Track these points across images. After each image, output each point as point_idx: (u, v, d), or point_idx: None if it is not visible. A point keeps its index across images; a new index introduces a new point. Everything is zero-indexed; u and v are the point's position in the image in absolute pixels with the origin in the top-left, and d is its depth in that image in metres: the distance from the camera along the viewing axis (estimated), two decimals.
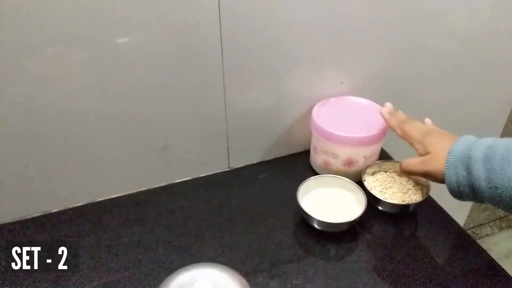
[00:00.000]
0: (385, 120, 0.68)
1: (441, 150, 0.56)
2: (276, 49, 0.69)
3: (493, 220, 1.65)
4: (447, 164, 0.54)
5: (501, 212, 1.60)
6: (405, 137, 0.64)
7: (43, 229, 0.68)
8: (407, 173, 0.66)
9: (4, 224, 0.68)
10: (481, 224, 1.64)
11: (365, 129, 0.70)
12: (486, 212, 1.58)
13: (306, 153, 0.81)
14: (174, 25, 0.60)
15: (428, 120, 0.67)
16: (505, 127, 1.08)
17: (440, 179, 0.56)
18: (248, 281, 0.46)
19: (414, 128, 0.63)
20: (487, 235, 1.65)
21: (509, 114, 1.05)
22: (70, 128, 0.64)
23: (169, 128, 0.70)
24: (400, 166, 0.64)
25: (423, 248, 0.65)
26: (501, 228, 1.67)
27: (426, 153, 0.59)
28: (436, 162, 0.56)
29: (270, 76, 0.72)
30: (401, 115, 0.67)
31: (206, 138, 0.74)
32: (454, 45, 0.85)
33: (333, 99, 0.78)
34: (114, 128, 0.67)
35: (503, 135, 1.09)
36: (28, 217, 0.69)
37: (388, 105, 0.69)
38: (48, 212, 0.70)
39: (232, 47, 0.65)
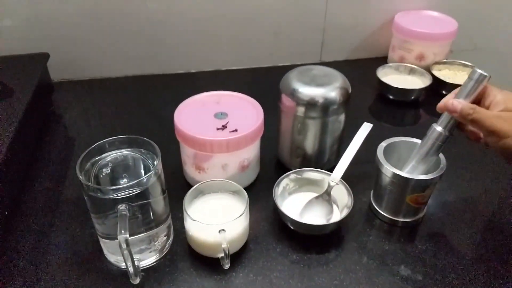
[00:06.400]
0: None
1: None
2: None
3: None
4: None
5: None
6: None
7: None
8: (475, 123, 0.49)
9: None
10: None
11: (436, 28, 0.89)
12: None
13: (383, 58, 1.01)
14: None
15: None
16: None
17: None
18: None
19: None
20: None
21: None
22: (210, 15, 0.89)
23: (280, 18, 0.92)
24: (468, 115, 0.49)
25: None
26: None
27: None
28: None
29: None
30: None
31: (307, 30, 0.95)
32: None
33: (412, 11, 0.97)
34: (239, 14, 0.90)
35: None
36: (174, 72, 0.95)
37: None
38: (188, 71, 0.95)
39: None
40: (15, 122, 0.62)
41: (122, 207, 0.46)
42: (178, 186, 0.64)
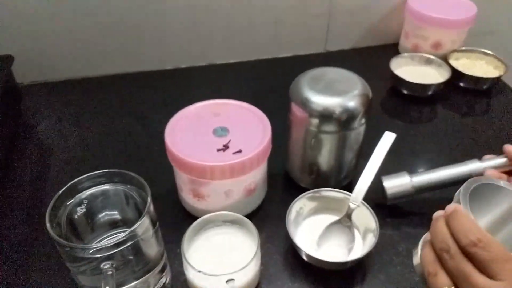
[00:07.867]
0: None
1: None
2: None
3: None
4: None
5: None
6: None
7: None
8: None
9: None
10: None
11: (454, 13, 0.79)
12: None
13: (394, 46, 0.91)
14: None
15: None
16: None
17: None
18: None
19: None
20: None
21: None
22: (202, 2, 0.78)
23: (279, 3, 0.81)
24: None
25: None
26: None
27: None
28: None
29: None
30: None
31: (310, 16, 0.84)
32: None
33: None
34: (234, 1, 0.79)
35: None
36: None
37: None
38: (178, 67, 0.84)
39: None
40: None
41: (106, 266, 0.38)
42: (173, 213, 0.55)
